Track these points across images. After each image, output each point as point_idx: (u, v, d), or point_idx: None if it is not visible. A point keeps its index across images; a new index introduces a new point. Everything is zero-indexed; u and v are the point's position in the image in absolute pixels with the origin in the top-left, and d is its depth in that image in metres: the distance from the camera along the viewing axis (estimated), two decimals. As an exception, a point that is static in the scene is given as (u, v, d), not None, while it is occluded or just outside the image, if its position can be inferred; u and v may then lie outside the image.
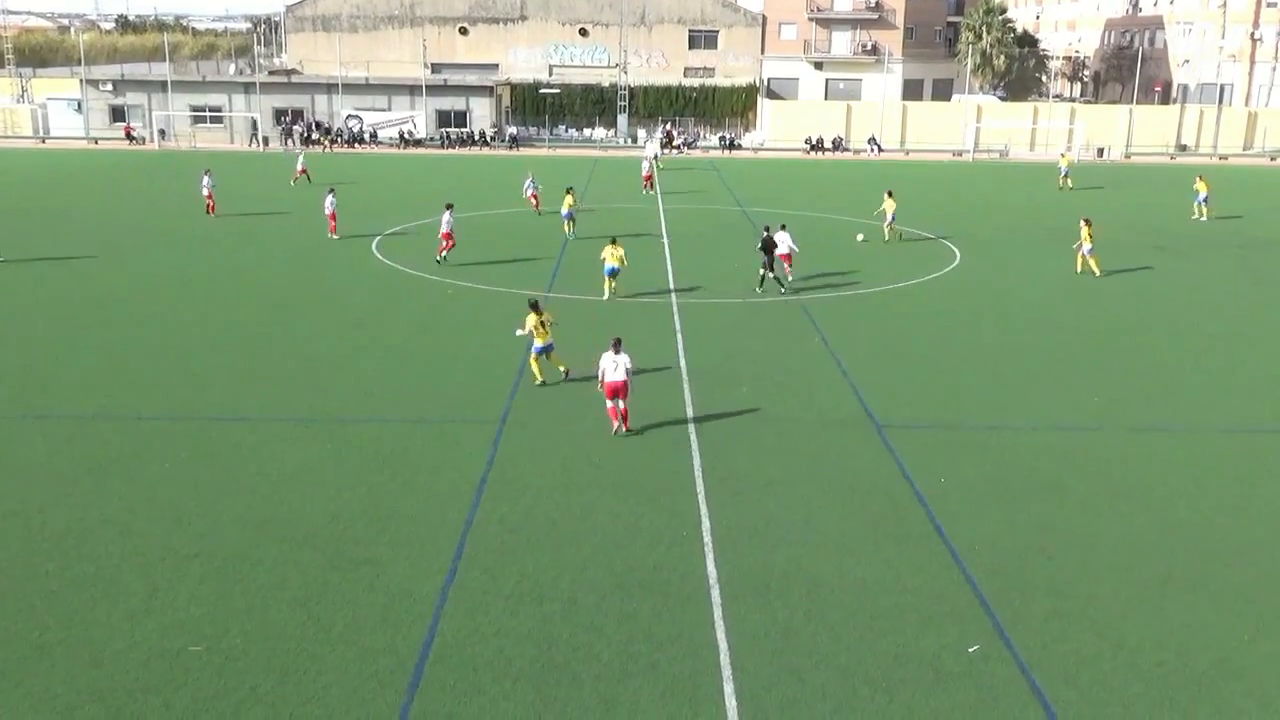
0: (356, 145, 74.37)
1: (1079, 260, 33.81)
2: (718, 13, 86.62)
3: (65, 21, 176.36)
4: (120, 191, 50.96)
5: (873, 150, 74.97)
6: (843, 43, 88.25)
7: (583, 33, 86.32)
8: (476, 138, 76.07)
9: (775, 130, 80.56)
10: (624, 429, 18.90)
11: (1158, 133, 78.58)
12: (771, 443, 18.70)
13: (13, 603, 12.89)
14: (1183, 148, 78.57)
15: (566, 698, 11.24)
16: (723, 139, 78.60)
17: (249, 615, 12.71)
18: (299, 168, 54.06)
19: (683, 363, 23.34)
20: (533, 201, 44.55)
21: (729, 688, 11.47)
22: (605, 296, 29.25)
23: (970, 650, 12.27)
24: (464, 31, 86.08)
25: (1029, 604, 13.33)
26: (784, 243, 31.08)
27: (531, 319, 21.10)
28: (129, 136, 74.22)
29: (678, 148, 76.41)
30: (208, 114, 76.83)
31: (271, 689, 11.28)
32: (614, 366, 18.62)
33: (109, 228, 39.98)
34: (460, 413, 20.07)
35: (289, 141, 73.82)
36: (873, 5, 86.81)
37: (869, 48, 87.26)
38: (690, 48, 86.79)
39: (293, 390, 21.27)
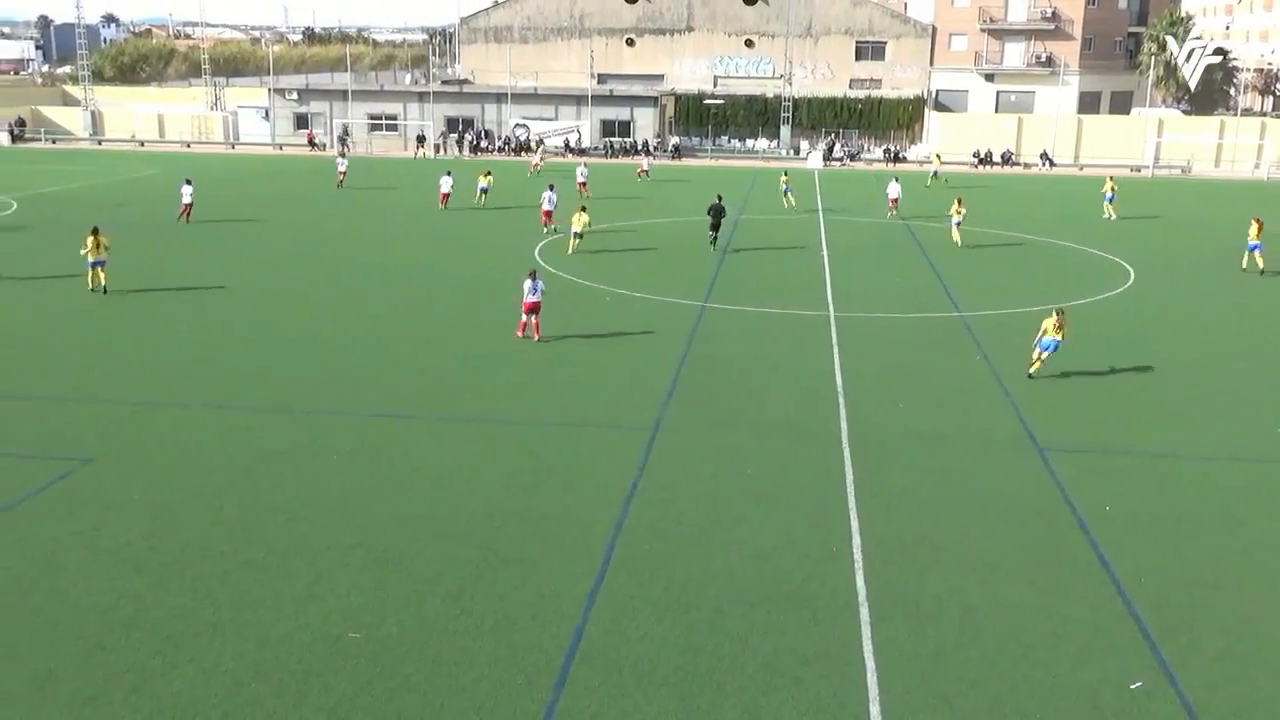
0: (522, 153, 76.05)
1: (954, 231, 40.11)
2: (886, 24, 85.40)
3: (257, 34, 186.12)
4: (304, 195, 53.35)
5: (1044, 165, 72.65)
6: (1015, 54, 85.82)
7: (748, 44, 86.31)
8: (639, 147, 76.87)
9: (942, 143, 78.86)
10: (536, 337, 24.96)
11: (1357, 150, 73.69)
12: (927, 460, 18.31)
13: (190, 581, 13.64)
14: (1386, 166, 73.48)
15: (710, 707, 11.23)
16: (887, 151, 77.39)
17: (405, 606, 13.13)
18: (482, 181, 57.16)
19: (839, 377, 23.07)
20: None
21: (875, 708, 11.27)
22: (569, 252, 36.00)
23: (1132, 686, 11.75)
24: (631, 43, 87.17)
25: (1197, 641, 12.68)
26: (895, 190, 47.91)
27: (90, 240, 29.06)
28: (311, 143, 77.69)
29: (840, 160, 75.60)
30: (384, 122, 79.86)
31: (424, 679, 11.62)
32: (532, 290, 24.67)
33: (286, 228, 41.93)
34: (614, 418, 20.29)
35: (459, 149, 76.08)
36: (1049, 16, 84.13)
37: (1043, 59, 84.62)
38: (857, 59, 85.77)
39: (450, 390, 21.90)
